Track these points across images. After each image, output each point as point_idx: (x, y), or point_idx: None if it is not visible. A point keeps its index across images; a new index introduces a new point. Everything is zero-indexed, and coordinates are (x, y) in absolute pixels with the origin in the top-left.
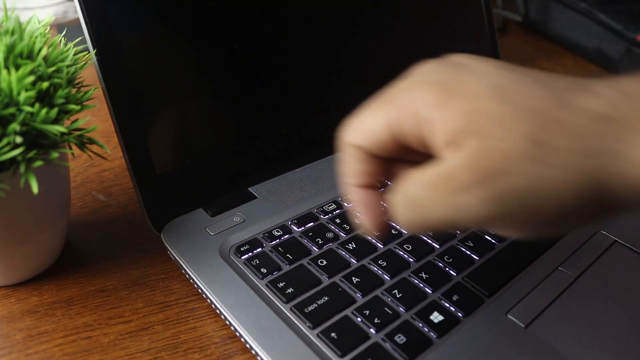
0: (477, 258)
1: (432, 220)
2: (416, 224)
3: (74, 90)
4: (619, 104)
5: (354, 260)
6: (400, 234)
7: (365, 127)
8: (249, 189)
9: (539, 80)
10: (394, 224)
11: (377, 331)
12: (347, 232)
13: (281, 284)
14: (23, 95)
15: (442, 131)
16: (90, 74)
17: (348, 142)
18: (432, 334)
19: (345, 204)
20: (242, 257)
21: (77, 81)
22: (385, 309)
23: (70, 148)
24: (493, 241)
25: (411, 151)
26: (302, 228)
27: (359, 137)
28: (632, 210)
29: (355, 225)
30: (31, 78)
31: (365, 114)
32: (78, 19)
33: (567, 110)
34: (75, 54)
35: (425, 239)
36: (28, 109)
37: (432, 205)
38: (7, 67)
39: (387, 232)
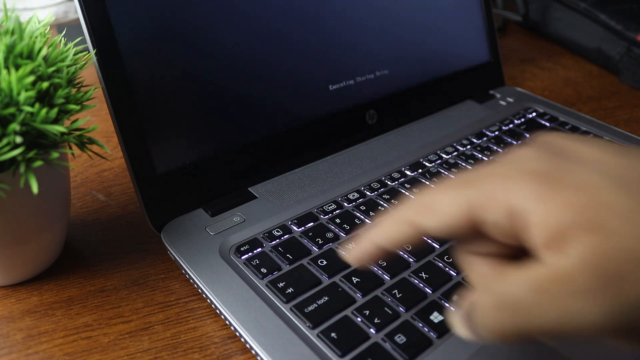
0: None
1: (537, 327)
2: (514, 329)
3: (74, 90)
4: None
5: None
6: None
7: (437, 207)
8: (249, 189)
9: None
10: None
11: (377, 331)
12: (347, 232)
13: (281, 284)
14: (23, 95)
15: (545, 226)
16: (90, 74)
17: (407, 219)
18: (432, 334)
19: (345, 207)
20: (242, 257)
21: (77, 81)
22: (385, 309)
23: (70, 148)
24: None
25: (481, 237)
26: (302, 228)
27: (428, 218)
28: None
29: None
30: (31, 78)
31: (440, 192)
32: (78, 19)
33: None
34: (75, 54)
35: (425, 238)
36: (28, 109)
37: (538, 310)
38: (7, 67)
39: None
